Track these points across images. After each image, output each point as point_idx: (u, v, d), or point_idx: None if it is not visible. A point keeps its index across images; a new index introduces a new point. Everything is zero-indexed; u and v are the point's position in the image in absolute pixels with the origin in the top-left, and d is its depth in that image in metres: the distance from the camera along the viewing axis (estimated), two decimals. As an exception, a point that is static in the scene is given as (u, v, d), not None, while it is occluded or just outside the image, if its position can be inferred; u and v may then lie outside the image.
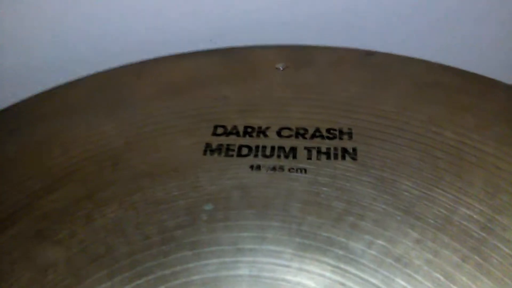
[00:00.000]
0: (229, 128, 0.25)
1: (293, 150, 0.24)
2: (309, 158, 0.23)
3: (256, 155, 0.24)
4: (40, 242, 0.20)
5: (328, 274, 0.19)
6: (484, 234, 0.20)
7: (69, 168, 0.23)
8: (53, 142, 0.24)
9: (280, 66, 0.29)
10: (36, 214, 0.21)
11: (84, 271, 0.19)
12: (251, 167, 0.23)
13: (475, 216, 0.20)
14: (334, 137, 0.24)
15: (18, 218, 0.21)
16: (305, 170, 0.23)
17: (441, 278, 0.18)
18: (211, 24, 0.33)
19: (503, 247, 0.19)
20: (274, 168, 0.23)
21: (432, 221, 0.20)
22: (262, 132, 0.25)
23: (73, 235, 0.20)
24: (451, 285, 0.18)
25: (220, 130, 0.25)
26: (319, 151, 0.24)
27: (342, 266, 0.19)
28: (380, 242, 0.20)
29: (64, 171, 0.23)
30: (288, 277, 0.19)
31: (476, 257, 0.19)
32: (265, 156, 0.24)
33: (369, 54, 0.31)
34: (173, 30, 0.34)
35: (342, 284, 0.18)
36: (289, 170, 0.23)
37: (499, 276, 0.18)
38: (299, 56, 0.30)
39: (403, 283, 0.18)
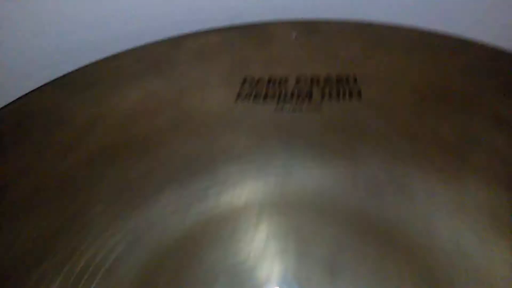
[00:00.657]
0: (255, 80, 0.30)
1: (309, 94, 0.29)
2: (322, 99, 0.29)
3: (278, 100, 0.29)
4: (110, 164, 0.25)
5: (343, 172, 0.24)
6: (462, 147, 0.25)
7: (131, 115, 0.28)
8: (114, 97, 0.30)
9: (293, 34, 0.35)
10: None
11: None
12: (275, 109, 0.29)
13: (454, 133, 0.26)
14: (342, 83, 0.30)
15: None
16: (320, 109, 0.28)
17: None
18: (230, 6, 0.39)
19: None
20: (294, 110, 0.29)
21: (423, 138, 0.26)
22: (282, 82, 0.30)
23: (144, 156, 0.25)
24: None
25: (247, 83, 0.30)
26: (330, 94, 0.29)
27: (352, 169, 0.24)
28: (382, 151, 0.25)
29: (128, 119, 0.28)
30: (312, 174, 0.24)
31: (459, 162, 0.24)
32: (286, 100, 0.29)
33: (368, 25, 0.37)
34: (197, 12, 0.39)
35: (352, 173, 0.24)
36: (307, 110, 0.28)
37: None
38: (308, 28, 0.36)
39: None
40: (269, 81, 0.30)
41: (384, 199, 0.22)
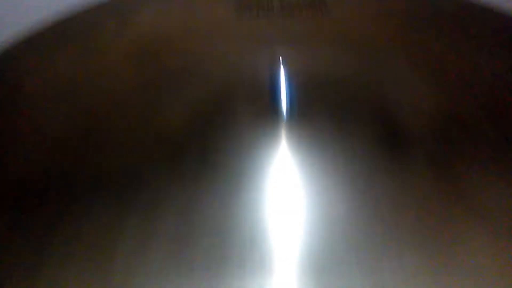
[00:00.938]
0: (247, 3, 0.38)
1: (291, 14, 0.37)
2: (301, 14, 0.36)
3: (268, 16, 0.37)
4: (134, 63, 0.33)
5: (320, 64, 0.32)
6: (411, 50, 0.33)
7: (148, 31, 0.36)
8: (134, 17, 0.38)
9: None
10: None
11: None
12: (265, 22, 0.36)
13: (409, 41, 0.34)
14: (317, 6, 0.37)
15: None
16: (301, 23, 0.36)
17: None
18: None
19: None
20: (280, 21, 0.36)
21: (384, 45, 0.33)
22: (269, 4, 0.38)
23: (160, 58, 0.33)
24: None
25: (242, 5, 0.38)
26: (308, 14, 0.37)
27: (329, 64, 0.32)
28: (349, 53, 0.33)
29: (145, 34, 0.36)
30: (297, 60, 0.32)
31: (409, 62, 0.32)
32: (274, 16, 0.36)
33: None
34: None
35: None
36: (290, 24, 0.36)
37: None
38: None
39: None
40: (258, 3, 0.38)
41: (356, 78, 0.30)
